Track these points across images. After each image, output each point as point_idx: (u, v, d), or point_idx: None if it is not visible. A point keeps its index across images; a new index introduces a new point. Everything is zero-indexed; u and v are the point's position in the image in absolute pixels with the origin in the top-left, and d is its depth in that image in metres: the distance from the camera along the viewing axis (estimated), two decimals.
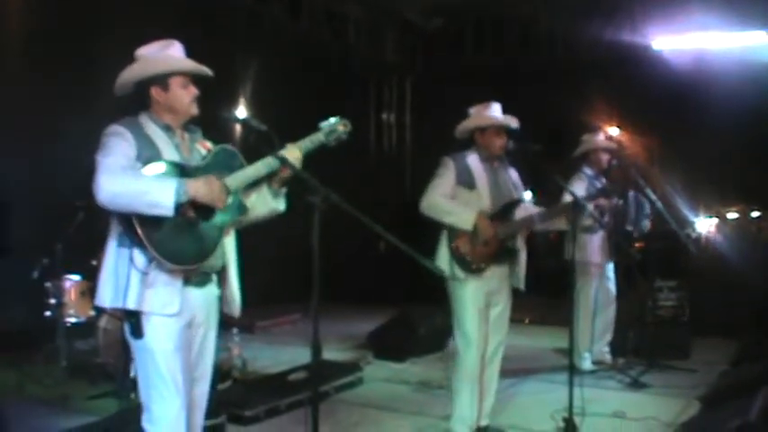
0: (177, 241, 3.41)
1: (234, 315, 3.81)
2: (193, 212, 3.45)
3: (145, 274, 3.41)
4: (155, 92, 3.62)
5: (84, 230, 6.67)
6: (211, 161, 3.64)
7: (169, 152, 3.57)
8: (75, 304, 6.80)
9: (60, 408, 5.94)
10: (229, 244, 3.74)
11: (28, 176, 7.28)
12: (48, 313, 6.79)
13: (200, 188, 3.41)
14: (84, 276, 6.86)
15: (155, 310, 3.45)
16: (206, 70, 3.68)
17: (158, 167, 3.43)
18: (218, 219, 3.57)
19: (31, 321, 7.11)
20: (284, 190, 3.80)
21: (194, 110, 3.67)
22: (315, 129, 3.75)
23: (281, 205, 3.81)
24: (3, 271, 6.98)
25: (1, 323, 7.30)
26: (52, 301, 6.76)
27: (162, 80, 3.61)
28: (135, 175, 3.37)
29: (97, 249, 6.73)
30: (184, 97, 3.62)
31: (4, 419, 4.66)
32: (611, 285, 7.46)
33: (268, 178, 3.71)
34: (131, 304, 3.41)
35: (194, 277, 3.58)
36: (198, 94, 3.67)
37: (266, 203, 3.78)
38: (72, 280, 6.83)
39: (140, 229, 3.32)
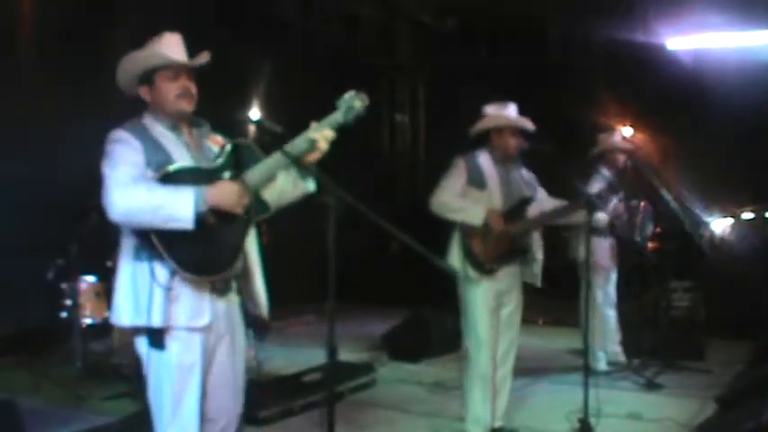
0: (199, 251, 3.24)
1: (263, 316, 3.64)
2: (214, 218, 3.26)
3: (168, 289, 3.23)
4: (143, 92, 3.44)
5: (99, 232, 6.69)
6: (226, 159, 3.42)
7: (180, 154, 3.39)
8: (91, 305, 6.84)
9: (75, 408, 5.97)
10: (250, 244, 3.55)
11: (43, 176, 7.31)
12: (63, 314, 6.83)
13: (219, 195, 3.23)
14: (99, 277, 6.89)
15: (182, 324, 3.30)
16: (175, 60, 3.38)
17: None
18: (240, 221, 3.38)
19: (46, 322, 7.16)
20: (312, 169, 3.44)
21: (183, 105, 3.40)
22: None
23: (310, 185, 3.51)
24: (19, 272, 7.02)
25: (16, 323, 7.34)
26: (67, 301, 6.80)
27: (147, 79, 3.41)
28: (148, 189, 3.17)
29: (112, 251, 6.77)
30: (170, 92, 3.38)
31: (19, 420, 4.67)
32: (613, 289, 7.44)
33: (295, 161, 3.38)
34: (157, 322, 3.23)
35: (217, 284, 3.40)
36: (188, 86, 3.41)
37: (296, 186, 3.53)
38: (87, 281, 6.86)
39: (158, 241, 3.16)
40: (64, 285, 6.82)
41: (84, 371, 6.68)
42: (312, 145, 3.36)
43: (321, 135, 3.36)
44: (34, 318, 7.36)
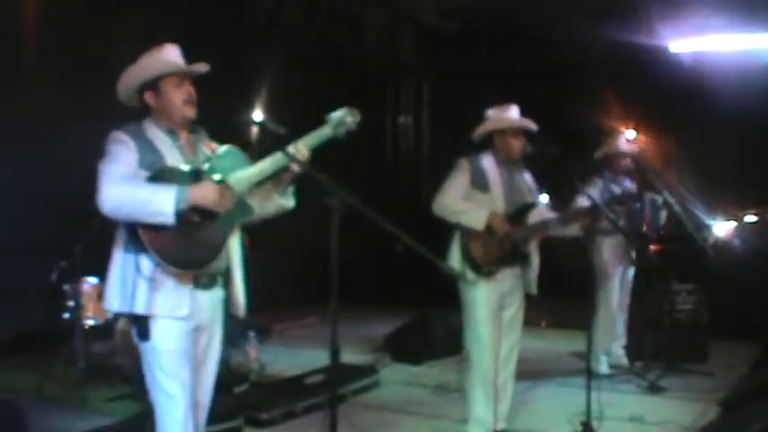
0: (182, 246, 3.43)
1: (239, 315, 3.80)
2: (197, 217, 3.44)
3: (152, 280, 3.42)
4: (148, 97, 3.60)
5: (102, 233, 6.68)
6: (216, 162, 3.60)
7: (172, 156, 3.56)
8: (93, 306, 6.81)
9: (78, 409, 5.96)
10: (234, 245, 3.71)
11: (43, 176, 7.31)
12: (66, 315, 6.82)
13: (201, 194, 3.40)
14: (102, 279, 6.87)
15: (163, 313, 3.47)
16: (183, 67, 3.60)
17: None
18: (223, 221, 3.54)
19: (49, 323, 7.15)
20: (292, 187, 3.73)
21: (188, 111, 3.60)
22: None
23: (289, 202, 3.77)
24: (22, 273, 7.02)
25: (19, 325, 7.34)
26: (70, 303, 6.78)
27: (153, 84, 3.58)
28: (136, 185, 3.37)
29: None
30: (176, 97, 3.56)
31: (22, 421, 4.67)
32: (628, 289, 7.43)
33: (275, 176, 3.63)
34: (140, 309, 3.43)
35: (202, 279, 3.58)
36: (192, 93, 3.60)
37: (273, 201, 3.73)
38: (90, 282, 6.85)
39: (144, 235, 3.35)
40: (66, 287, 6.81)
41: (86, 372, 6.66)
42: (292, 159, 3.53)
43: (299, 153, 3.54)
44: (36, 319, 7.37)
